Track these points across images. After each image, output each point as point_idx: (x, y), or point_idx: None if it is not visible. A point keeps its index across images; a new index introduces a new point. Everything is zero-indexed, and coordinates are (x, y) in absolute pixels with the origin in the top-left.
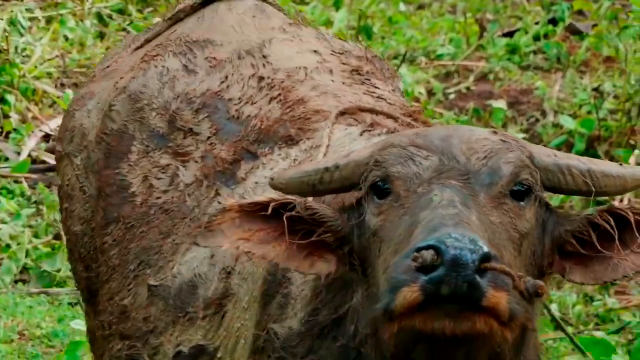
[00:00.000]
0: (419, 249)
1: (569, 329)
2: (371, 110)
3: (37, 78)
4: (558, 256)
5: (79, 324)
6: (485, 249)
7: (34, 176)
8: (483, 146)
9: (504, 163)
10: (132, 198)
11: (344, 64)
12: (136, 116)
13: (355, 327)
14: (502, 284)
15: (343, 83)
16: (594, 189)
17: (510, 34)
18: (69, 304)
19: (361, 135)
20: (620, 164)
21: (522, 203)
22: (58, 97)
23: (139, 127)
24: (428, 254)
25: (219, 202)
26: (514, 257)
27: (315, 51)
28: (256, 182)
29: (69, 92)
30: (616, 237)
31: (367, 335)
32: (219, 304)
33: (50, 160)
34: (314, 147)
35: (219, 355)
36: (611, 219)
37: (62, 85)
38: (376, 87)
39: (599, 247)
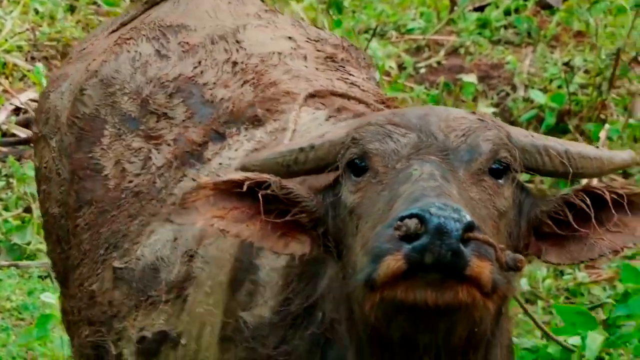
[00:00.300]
0: (402, 218)
1: (540, 303)
2: (342, 95)
3: (7, 51)
4: (534, 238)
5: (49, 297)
6: (469, 218)
7: (4, 149)
8: (461, 124)
9: (483, 140)
10: (105, 182)
11: (318, 50)
12: (108, 101)
13: (323, 314)
14: (486, 253)
15: (316, 69)
16: (571, 170)
17: (481, 9)
18: (39, 277)
19: (327, 120)
20: (597, 147)
21: (500, 181)
22: (28, 71)
23: (111, 111)
24: (412, 223)
25: (186, 183)
26: (493, 234)
27: (290, 38)
28: (220, 164)
29: (40, 66)
30: (592, 216)
31: (334, 320)
32: (180, 287)
33: (21, 133)
34: (279, 129)
35: (183, 341)
36: (587, 198)
37: (33, 58)
38: (350, 74)
39: (575, 227)
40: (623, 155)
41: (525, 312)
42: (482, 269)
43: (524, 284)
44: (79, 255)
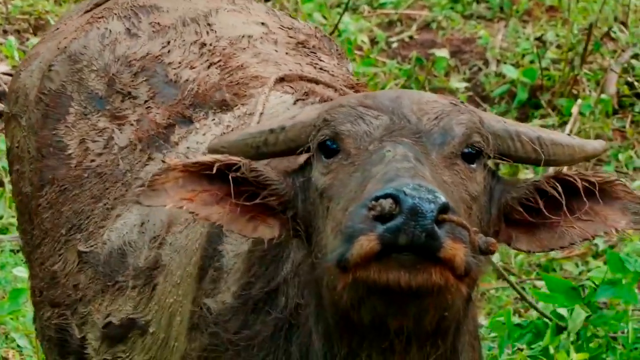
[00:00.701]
0: (376, 198)
1: (512, 278)
2: (311, 79)
3: None
4: (504, 224)
5: (22, 272)
6: (444, 199)
7: None
8: (433, 108)
9: (456, 124)
10: (68, 160)
11: (290, 37)
12: (75, 77)
13: (286, 298)
14: (460, 235)
15: (286, 53)
16: (542, 157)
17: None
18: (12, 250)
19: (294, 104)
20: (569, 134)
21: (473, 166)
22: (0, 44)
23: (77, 88)
24: (386, 203)
25: (152, 167)
26: (466, 219)
27: (262, 23)
28: (188, 147)
29: (12, 39)
30: (564, 204)
31: (299, 306)
32: (149, 274)
33: None
34: (247, 114)
35: (151, 330)
36: (559, 186)
37: (5, 32)
38: (320, 60)
39: (546, 214)
40: (595, 143)
41: (509, 282)
42: (456, 251)
43: (496, 259)
44: (40, 235)
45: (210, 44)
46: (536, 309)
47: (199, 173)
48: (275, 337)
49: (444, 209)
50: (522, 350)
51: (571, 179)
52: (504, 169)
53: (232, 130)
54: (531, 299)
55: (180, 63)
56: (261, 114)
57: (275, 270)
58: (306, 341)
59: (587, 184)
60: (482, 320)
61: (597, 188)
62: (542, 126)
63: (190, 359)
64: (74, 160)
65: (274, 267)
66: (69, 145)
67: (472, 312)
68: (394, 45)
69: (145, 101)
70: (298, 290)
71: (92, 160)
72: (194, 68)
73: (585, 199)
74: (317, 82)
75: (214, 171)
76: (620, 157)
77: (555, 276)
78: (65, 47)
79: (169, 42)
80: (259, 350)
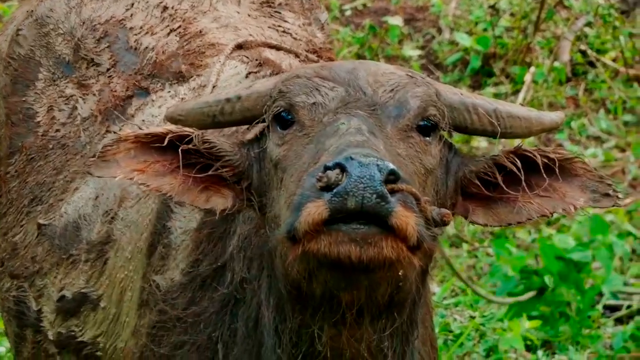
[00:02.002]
0: (325, 169)
1: (465, 246)
2: (271, 46)
3: None
4: (461, 197)
5: None
6: (392, 166)
7: None
8: (389, 80)
9: (412, 97)
10: (37, 129)
11: None
12: (42, 41)
13: (232, 274)
14: (411, 205)
15: (249, 15)
16: (499, 130)
17: None
18: None
19: (247, 77)
20: (523, 103)
21: (428, 139)
22: None
23: (45, 53)
24: (333, 173)
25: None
26: (420, 191)
27: None
28: (143, 120)
29: None
30: (522, 179)
31: (244, 280)
32: (100, 249)
33: None
34: (202, 85)
35: (102, 304)
36: (518, 161)
37: None
38: (284, 21)
39: (504, 189)
40: (552, 116)
41: (447, 261)
42: (408, 219)
43: (449, 227)
44: (7, 204)
45: (172, 7)
46: (472, 288)
47: (152, 144)
48: (222, 313)
49: (393, 174)
50: (474, 318)
51: (531, 155)
52: (456, 137)
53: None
54: (466, 278)
55: (141, 28)
56: (214, 86)
57: (223, 247)
58: (253, 316)
59: (546, 161)
60: (435, 287)
61: (556, 165)
62: (495, 94)
63: (140, 335)
64: (41, 129)
65: (222, 243)
66: (38, 112)
67: (429, 283)
68: (348, 13)
69: (108, 69)
70: (243, 264)
71: (57, 131)
72: (154, 34)
73: (544, 175)
74: (277, 48)
75: (165, 143)
76: (573, 125)
77: (510, 245)
78: (33, 10)
79: (132, 4)
80: (206, 326)
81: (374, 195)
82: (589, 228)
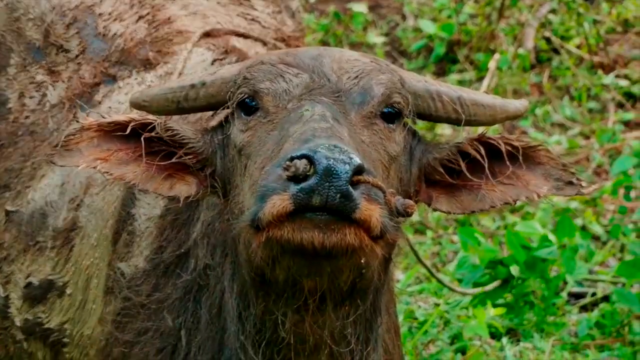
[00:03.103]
0: (292, 158)
1: (429, 233)
2: (238, 34)
3: None
4: (425, 185)
5: None
6: (358, 160)
7: None
8: (354, 66)
9: (376, 84)
10: (8, 115)
11: None
12: (13, 26)
13: (195, 260)
14: (375, 197)
15: (218, 3)
16: (463, 117)
17: None
18: None
19: (212, 64)
20: (487, 90)
21: (392, 125)
22: None
23: (16, 38)
24: (301, 164)
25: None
26: (384, 179)
27: None
28: (110, 107)
29: None
30: (486, 167)
31: (207, 266)
32: (66, 236)
33: None
34: (169, 73)
35: (68, 291)
36: (482, 148)
37: None
38: (253, 9)
39: (468, 176)
40: (516, 104)
41: (411, 248)
42: (371, 212)
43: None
44: None
45: None
46: (436, 277)
47: (114, 132)
48: (185, 299)
49: (359, 170)
50: (438, 305)
51: (494, 142)
52: (420, 124)
53: None
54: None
55: (110, 14)
56: (180, 73)
57: (187, 234)
58: (217, 302)
59: (510, 148)
60: (400, 274)
61: (520, 152)
62: (459, 81)
63: (105, 322)
64: (12, 116)
65: (186, 230)
66: (10, 98)
67: (393, 271)
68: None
69: (77, 55)
70: (207, 251)
71: (27, 117)
72: (123, 21)
73: (508, 162)
74: (245, 36)
75: (128, 131)
76: (538, 112)
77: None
78: None
79: None
80: (170, 313)
81: (338, 195)
82: (557, 231)
